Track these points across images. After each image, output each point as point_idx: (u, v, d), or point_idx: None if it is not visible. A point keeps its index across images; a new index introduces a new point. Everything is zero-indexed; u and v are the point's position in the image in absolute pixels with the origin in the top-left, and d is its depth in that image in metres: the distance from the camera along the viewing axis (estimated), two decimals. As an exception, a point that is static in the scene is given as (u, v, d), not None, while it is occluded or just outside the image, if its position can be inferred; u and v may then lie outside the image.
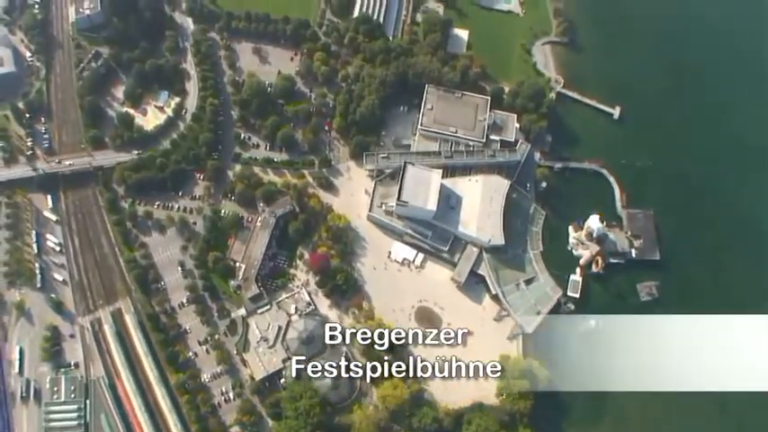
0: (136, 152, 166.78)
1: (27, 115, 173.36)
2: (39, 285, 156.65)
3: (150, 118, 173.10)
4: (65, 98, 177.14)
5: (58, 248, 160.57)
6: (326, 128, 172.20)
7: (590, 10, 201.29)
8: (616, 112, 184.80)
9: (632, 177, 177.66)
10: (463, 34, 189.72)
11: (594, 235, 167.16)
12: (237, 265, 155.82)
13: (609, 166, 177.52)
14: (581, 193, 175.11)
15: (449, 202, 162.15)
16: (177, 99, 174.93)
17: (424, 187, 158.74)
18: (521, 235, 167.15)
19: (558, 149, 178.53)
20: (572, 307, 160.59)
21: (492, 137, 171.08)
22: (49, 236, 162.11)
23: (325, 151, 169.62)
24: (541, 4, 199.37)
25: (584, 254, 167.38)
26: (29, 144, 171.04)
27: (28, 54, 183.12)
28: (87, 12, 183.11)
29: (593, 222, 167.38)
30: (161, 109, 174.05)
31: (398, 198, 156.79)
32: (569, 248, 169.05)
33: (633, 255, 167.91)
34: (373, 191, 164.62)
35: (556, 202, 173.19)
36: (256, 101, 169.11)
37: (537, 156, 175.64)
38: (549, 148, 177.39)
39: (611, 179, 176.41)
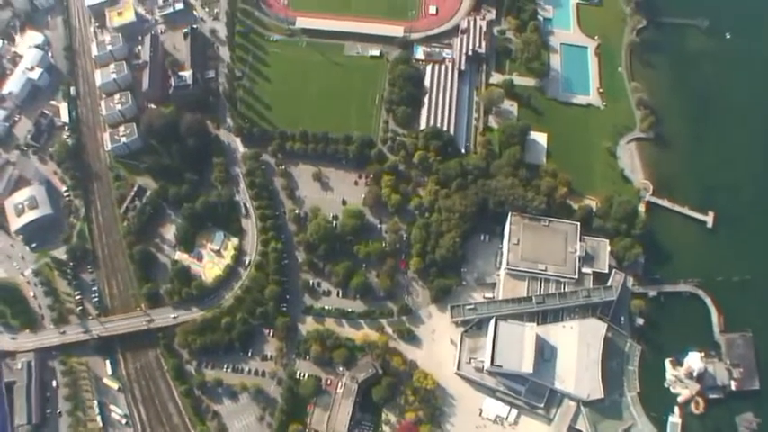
0: (197, 310, 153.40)
1: (71, 264, 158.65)
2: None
3: (207, 265, 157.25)
4: (110, 242, 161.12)
5: (124, 420, 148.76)
6: (402, 268, 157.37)
7: (676, 99, 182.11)
8: (709, 219, 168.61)
9: (729, 295, 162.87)
10: (541, 139, 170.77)
11: (695, 374, 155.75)
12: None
13: (704, 286, 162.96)
14: (677, 320, 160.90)
15: (543, 355, 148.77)
16: (234, 240, 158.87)
17: (517, 346, 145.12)
18: (617, 376, 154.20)
19: (651, 270, 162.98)
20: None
21: (584, 269, 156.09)
22: (112, 406, 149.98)
23: (404, 296, 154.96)
24: (622, 95, 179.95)
25: (684, 393, 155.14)
26: (77, 298, 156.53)
27: (63, 188, 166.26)
28: (123, 139, 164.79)
29: (694, 362, 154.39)
30: (218, 252, 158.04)
31: (491, 362, 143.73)
32: (666, 385, 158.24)
33: (733, 387, 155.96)
34: (460, 344, 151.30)
35: (651, 334, 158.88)
36: (324, 246, 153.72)
37: (630, 281, 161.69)
38: (642, 270, 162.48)
39: (708, 300, 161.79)
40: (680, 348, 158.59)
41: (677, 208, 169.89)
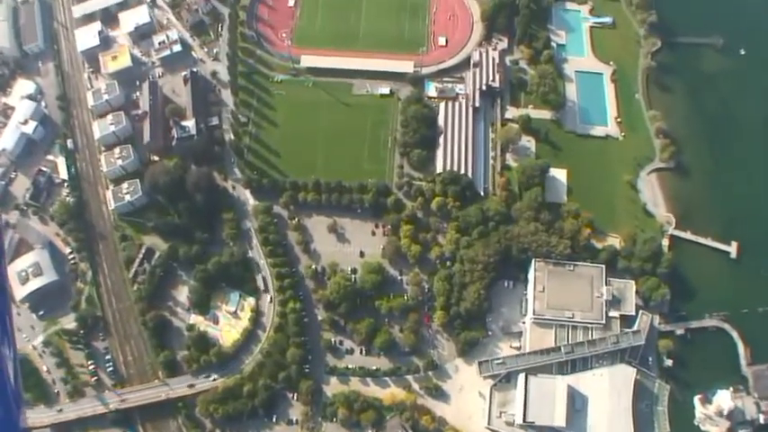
0: (217, 377, 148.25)
1: (81, 332, 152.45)
2: None
3: (224, 327, 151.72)
4: (121, 308, 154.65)
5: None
6: (426, 323, 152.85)
7: (696, 125, 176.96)
8: (733, 249, 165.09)
9: (755, 326, 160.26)
10: (561, 176, 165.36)
11: (725, 413, 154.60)
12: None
13: (730, 319, 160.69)
14: (704, 356, 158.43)
15: (575, 405, 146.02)
16: (251, 300, 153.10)
17: (549, 400, 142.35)
18: (647, 418, 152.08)
19: (677, 306, 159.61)
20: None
21: (611, 313, 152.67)
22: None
23: (429, 351, 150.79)
24: (640, 123, 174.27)
25: (713, 431, 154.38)
26: (91, 368, 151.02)
27: (68, 251, 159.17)
28: (128, 197, 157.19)
29: (724, 401, 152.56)
30: (234, 314, 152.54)
31: (524, 419, 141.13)
32: (696, 423, 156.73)
33: (761, 420, 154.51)
34: (490, 398, 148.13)
35: (679, 372, 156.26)
36: (345, 304, 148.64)
37: (656, 320, 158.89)
38: (668, 308, 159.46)
39: (734, 334, 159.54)
40: (708, 384, 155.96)
41: (700, 240, 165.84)
